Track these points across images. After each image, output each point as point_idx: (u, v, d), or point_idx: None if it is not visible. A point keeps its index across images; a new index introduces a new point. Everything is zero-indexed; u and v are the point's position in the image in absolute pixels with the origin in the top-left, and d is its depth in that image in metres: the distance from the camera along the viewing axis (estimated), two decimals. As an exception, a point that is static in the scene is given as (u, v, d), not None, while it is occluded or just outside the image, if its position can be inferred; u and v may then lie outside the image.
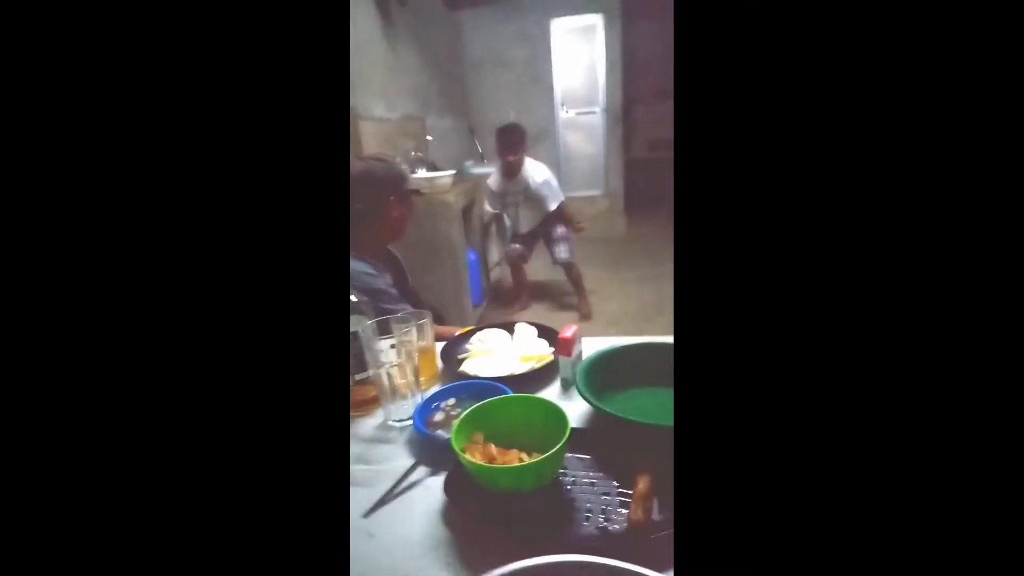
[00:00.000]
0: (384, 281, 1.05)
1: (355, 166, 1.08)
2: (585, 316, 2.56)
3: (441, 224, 2.19)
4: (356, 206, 1.04)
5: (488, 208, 2.72)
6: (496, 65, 4.19)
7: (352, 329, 0.70)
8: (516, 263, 2.77)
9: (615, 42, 3.96)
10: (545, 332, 0.86)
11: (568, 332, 0.73)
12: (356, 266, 1.01)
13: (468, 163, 3.48)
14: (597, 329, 2.42)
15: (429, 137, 2.97)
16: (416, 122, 2.86)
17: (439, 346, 0.84)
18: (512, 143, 2.47)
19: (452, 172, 2.37)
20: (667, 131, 4.78)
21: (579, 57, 4.03)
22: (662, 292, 2.81)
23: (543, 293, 2.92)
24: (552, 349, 0.79)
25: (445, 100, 3.58)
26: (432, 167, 2.61)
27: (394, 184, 1.09)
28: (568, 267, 2.65)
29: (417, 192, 2.14)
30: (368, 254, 1.07)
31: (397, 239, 1.16)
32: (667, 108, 4.80)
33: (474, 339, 0.88)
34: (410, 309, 0.92)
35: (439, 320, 1.28)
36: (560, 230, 2.62)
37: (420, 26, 3.04)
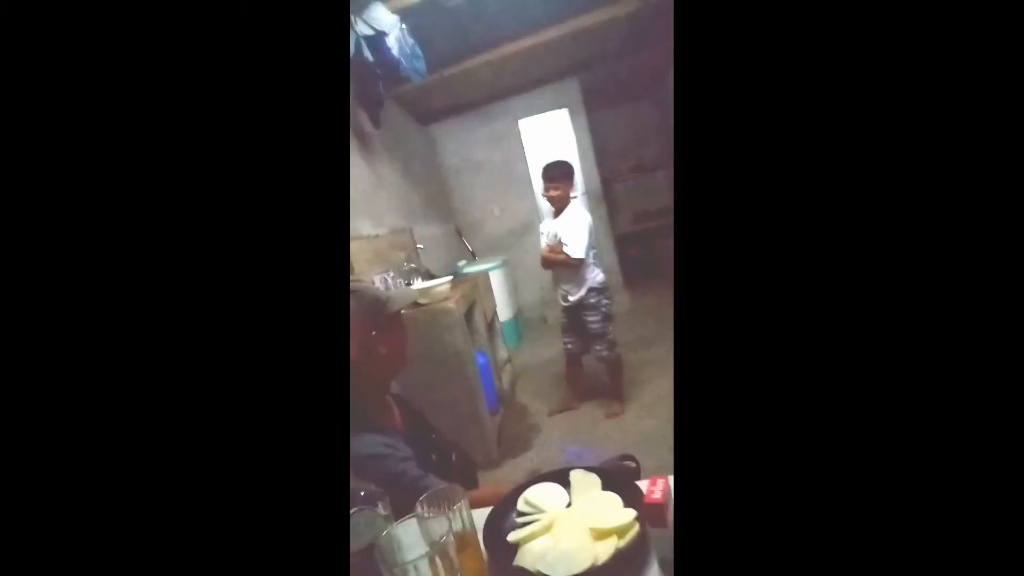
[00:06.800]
0: (401, 456, 0.83)
1: None
2: (614, 414, 2.27)
3: (445, 334, 2.04)
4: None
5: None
6: (473, 168, 4.33)
7: (366, 539, 0.52)
8: (574, 357, 2.38)
9: (583, 131, 4.14)
10: (613, 482, 0.67)
11: (656, 490, 0.55)
12: (363, 446, 0.79)
13: (461, 263, 3.44)
14: (632, 421, 2.19)
15: (420, 246, 2.94)
16: (404, 234, 2.84)
17: (480, 520, 0.65)
18: (550, 178, 2.17)
19: (449, 277, 2.28)
20: (647, 203, 4.88)
21: (551, 150, 4.17)
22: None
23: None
24: (632, 512, 0.60)
25: (429, 208, 3.62)
26: (428, 275, 2.52)
27: (373, 314, 0.87)
28: (610, 364, 2.28)
29: (415, 305, 2.03)
30: (371, 404, 0.89)
31: (399, 371, 0.94)
32: (643, 181, 4.93)
33: (521, 503, 0.69)
34: (436, 486, 0.65)
35: (470, 479, 1.07)
36: (594, 320, 2.19)
37: (396, 143, 3.14)
